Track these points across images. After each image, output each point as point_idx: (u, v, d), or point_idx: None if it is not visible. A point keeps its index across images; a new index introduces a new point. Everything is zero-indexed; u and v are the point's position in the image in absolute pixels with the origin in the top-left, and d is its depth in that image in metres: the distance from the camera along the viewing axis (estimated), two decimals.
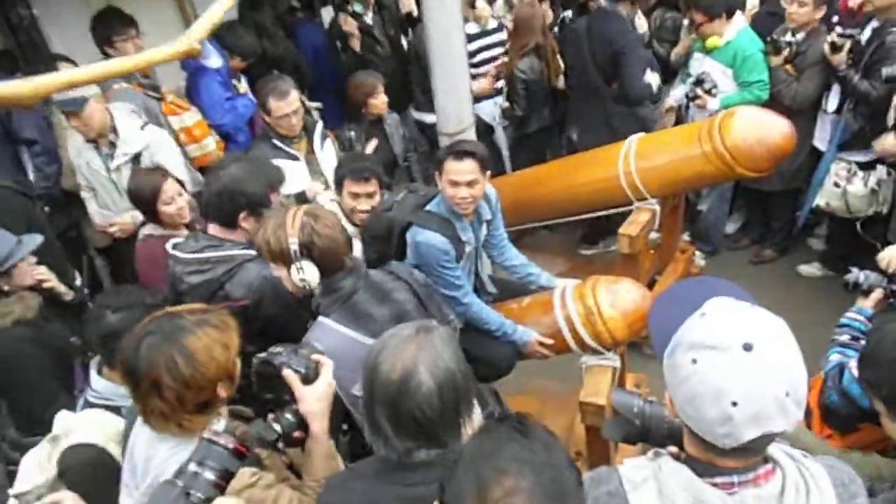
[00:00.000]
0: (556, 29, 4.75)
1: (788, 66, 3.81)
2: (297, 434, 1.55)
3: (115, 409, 1.81)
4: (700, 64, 3.99)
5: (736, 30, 3.82)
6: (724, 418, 0.99)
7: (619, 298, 2.57)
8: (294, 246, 1.93)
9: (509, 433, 1.02)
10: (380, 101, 3.78)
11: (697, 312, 1.09)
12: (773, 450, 1.10)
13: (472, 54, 4.73)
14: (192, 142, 3.80)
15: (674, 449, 1.21)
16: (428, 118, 4.20)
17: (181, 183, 2.77)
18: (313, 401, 1.56)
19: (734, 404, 0.98)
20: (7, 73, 3.64)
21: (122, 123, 3.14)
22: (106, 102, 3.24)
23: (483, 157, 2.53)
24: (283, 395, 1.59)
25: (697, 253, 4.31)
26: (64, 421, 1.74)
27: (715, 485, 1.07)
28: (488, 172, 2.60)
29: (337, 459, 1.65)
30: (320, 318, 2.01)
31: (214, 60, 4.07)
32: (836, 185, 3.70)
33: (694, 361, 1.02)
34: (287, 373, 1.56)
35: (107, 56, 3.71)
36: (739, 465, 1.07)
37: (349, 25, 4.49)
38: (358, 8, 4.57)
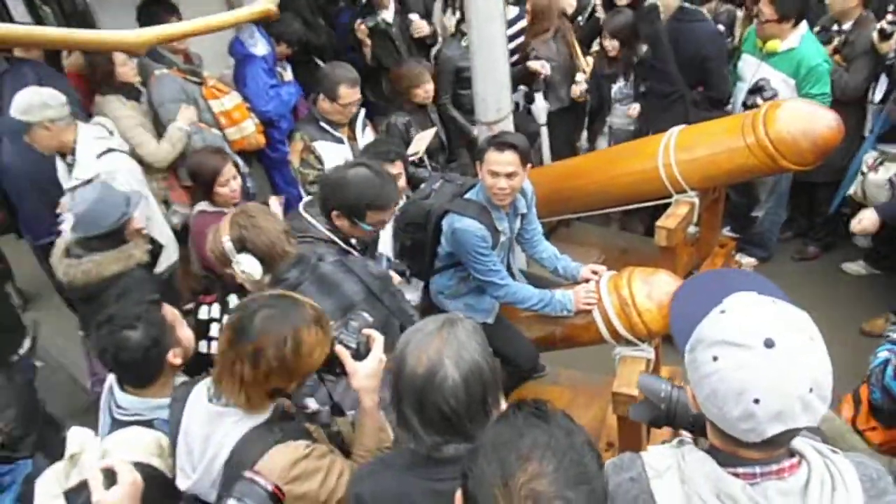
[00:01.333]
0: (579, 19, 4.72)
1: (837, 57, 3.70)
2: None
3: (147, 423, 1.76)
4: (753, 68, 3.72)
5: (800, 36, 3.57)
6: (747, 415, 0.98)
7: (655, 290, 2.55)
8: (228, 244, 2.09)
9: (529, 419, 1.02)
10: (424, 91, 3.76)
11: (717, 308, 1.07)
12: (801, 444, 1.09)
13: None
14: (232, 124, 3.90)
15: (687, 436, 1.21)
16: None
17: (236, 165, 2.88)
18: (364, 377, 1.58)
19: (756, 401, 0.97)
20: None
21: (81, 147, 3.03)
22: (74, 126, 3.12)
23: (524, 149, 2.55)
24: (335, 369, 1.61)
25: (749, 259, 4.24)
26: (80, 438, 1.64)
27: (737, 475, 1.06)
28: (529, 165, 2.61)
29: (387, 432, 1.68)
30: None
31: (261, 48, 4.17)
32: (862, 172, 3.60)
33: (715, 359, 1.01)
34: (339, 348, 1.58)
35: None
36: (763, 457, 1.06)
37: (361, 33, 4.47)
38: (386, 17, 4.46)
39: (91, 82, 3.70)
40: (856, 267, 4.18)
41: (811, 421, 0.99)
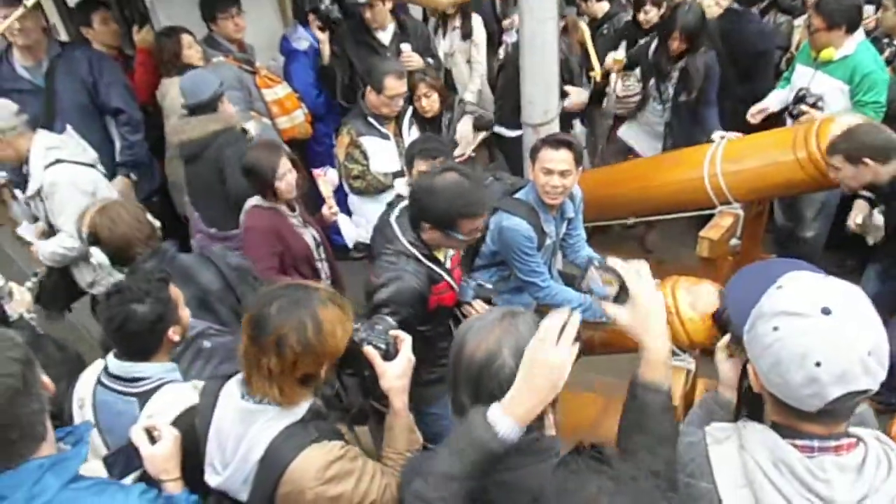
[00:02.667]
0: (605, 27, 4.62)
1: (889, 69, 3.61)
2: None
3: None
4: (807, 78, 3.59)
5: (856, 43, 3.46)
6: (810, 380, 1.01)
7: (699, 300, 2.52)
8: (83, 236, 2.26)
9: (590, 465, 1.00)
10: (422, 104, 3.54)
11: (773, 286, 1.12)
12: (860, 431, 1.13)
13: None
14: (284, 113, 3.98)
15: None
16: (508, 132, 4.07)
17: (292, 159, 2.84)
18: (393, 377, 1.57)
19: (818, 364, 1.00)
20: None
21: (33, 158, 2.94)
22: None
23: (578, 149, 2.56)
24: (364, 371, 1.60)
25: None
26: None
27: (795, 446, 1.09)
28: (581, 167, 2.60)
29: (416, 433, 1.68)
30: None
31: (303, 42, 4.22)
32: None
33: (775, 329, 1.06)
34: (368, 349, 1.56)
35: (211, 31, 3.92)
36: (823, 432, 1.09)
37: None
38: (382, 39, 3.94)
39: (157, 63, 3.79)
40: None
41: (871, 384, 1.02)
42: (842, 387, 1.01)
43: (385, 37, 3.90)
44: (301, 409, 1.51)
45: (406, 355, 1.60)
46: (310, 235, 2.92)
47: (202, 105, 3.23)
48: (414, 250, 2.23)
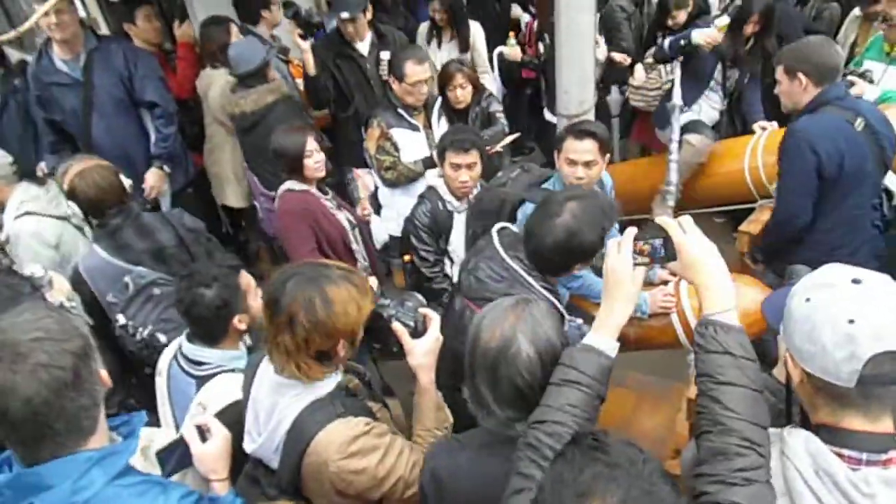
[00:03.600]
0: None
1: None
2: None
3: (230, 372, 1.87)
4: (878, 75, 3.28)
5: None
6: (844, 339, 1.02)
7: (739, 296, 2.40)
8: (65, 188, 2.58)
9: (587, 453, 0.97)
10: (456, 94, 3.46)
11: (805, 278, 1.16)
12: None
13: None
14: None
15: None
16: (554, 119, 3.84)
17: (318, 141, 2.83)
18: (421, 354, 1.59)
19: (851, 322, 1.02)
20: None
21: (7, 208, 2.89)
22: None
23: (604, 138, 2.49)
24: (392, 346, 1.62)
25: None
26: (147, 433, 1.66)
27: (841, 456, 1.06)
28: (608, 156, 2.54)
29: (445, 410, 1.69)
30: (91, 244, 2.63)
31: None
32: None
33: (808, 300, 1.09)
34: (396, 325, 1.59)
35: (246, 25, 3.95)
36: (866, 429, 1.06)
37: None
38: (360, 49, 3.69)
39: (202, 54, 3.82)
40: None
41: None
42: (877, 344, 1.00)
43: (363, 47, 3.74)
44: (328, 385, 1.53)
45: (434, 334, 1.62)
46: (344, 218, 2.91)
47: (252, 73, 3.37)
48: (550, 296, 2.02)
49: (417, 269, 2.90)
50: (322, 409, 1.50)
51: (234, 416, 1.62)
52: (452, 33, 4.18)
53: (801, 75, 2.56)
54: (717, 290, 1.22)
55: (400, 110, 3.29)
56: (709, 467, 1.09)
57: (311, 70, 3.62)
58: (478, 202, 2.85)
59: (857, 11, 3.93)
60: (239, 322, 1.92)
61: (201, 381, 1.86)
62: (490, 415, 1.35)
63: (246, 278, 1.98)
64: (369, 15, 3.68)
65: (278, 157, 2.79)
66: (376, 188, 3.53)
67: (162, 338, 2.44)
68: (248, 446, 1.58)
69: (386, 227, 3.35)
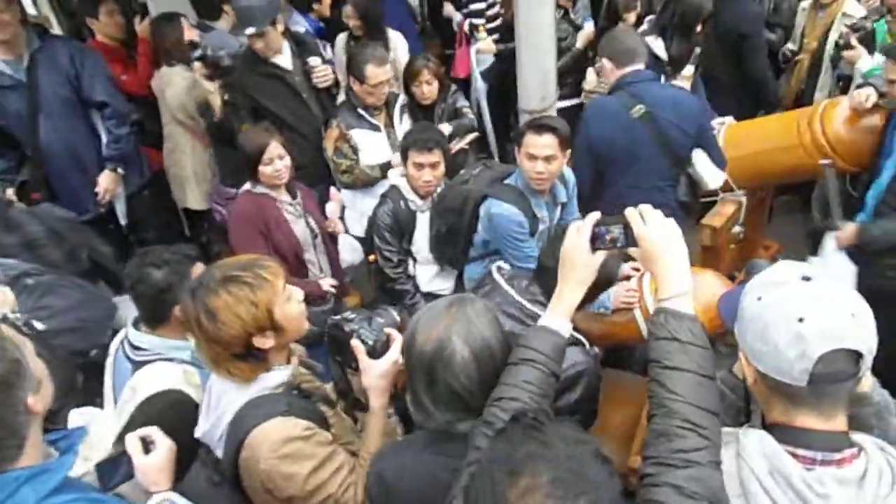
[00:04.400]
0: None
1: None
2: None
3: (167, 361, 1.85)
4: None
5: None
6: (795, 338, 1.02)
7: (701, 290, 2.42)
8: None
9: (525, 432, 0.98)
10: (422, 90, 3.39)
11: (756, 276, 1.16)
12: (862, 439, 1.10)
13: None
14: None
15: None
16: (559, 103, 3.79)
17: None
18: (375, 375, 1.55)
19: (801, 320, 1.02)
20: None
21: None
22: None
23: (564, 133, 2.48)
24: (351, 362, 1.59)
25: None
26: (82, 418, 1.73)
27: (795, 455, 1.06)
28: (569, 151, 2.53)
29: (394, 437, 1.65)
30: None
31: (300, 28, 4.16)
32: None
33: (759, 298, 1.09)
34: (355, 343, 1.56)
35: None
36: (819, 427, 1.06)
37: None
38: (282, 63, 3.34)
39: (156, 52, 3.69)
40: None
41: (860, 345, 1.01)
42: (827, 342, 1.00)
43: (284, 60, 3.39)
44: (275, 379, 1.52)
45: (393, 357, 1.56)
46: (304, 226, 2.81)
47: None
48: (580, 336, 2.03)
49: (381, 270, 2.86)
50: (265, 404, 1.47)
51: (163, 405, 1.62)
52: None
53: (605, 60, 2.89)
54: (671, 278, 1.22)
55: (360, 110, 3.23)
56: (652, 449, 1.10)
57: (218, 113, 3.27)
58: (441, 200, 2.82)
59: (805, 3, 4.01)
60: (180, 313, 1.82)
61: (137, 365, 1.84)
62: (430, 417, 1.34)
63: (199, 270, 1.89)
64: (281, 26, 3.33)
65: (240, 155, 2.71)
66: None
67: (38, 325, 2.31)
68: (198, 431, 1.58)
69: (353, 258, 3.24)
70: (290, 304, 1.54)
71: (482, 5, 4.65)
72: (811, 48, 3.97)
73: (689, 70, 3.42)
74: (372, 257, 2.95)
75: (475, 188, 2.70)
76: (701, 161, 2.90)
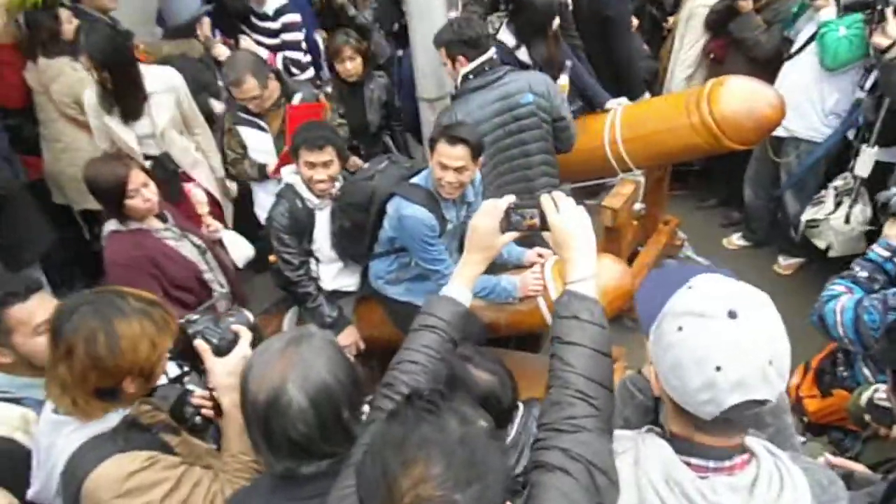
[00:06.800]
0: None
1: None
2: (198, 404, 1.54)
3: (15, 401, 1.73)
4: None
5: None
6: (708, 384, 0.99)
7: (599, 276, 2.50)
8: None
9: (419, 414, 0.98)
10: (346, 66, 3.42)
11: (685, 286, 1.10)
12: (753, 443, 1.10)
13: None
14: None
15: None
16: None
17: (145, 169, 2.48)
18: (223, 374, 1.50)
19: (718, 369, 0.98)
20: None
21: None
22: None
23: (476, 144, 2.45)
24: (199, 366, 1.55)
25: (794, 260, 4.02)
26: None
27: (689, 464, 1.07)
28: (480, 160, 2.51)
29: None
30: None
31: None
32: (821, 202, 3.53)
33: (679, 329, 1.03)
34: (198, 343, 1.51)
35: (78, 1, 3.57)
36: (718, 444, 1.07)
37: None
38: None
39: (30, 45, 3.39)
40: (736, 241, 4.27)
41: (770, 395, 1.00)
42: (739, 394, 0.98)
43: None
44: (110, 421, 1.44)
45: (241, 352, 1.53)
46: (190, 246, 2.57)
47: (182, 27, 3.47)
48: None
49: (281, 271, 2.76)
50: (100, 445, 1.39)
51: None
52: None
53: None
54: (578, 262, 1.30)
55: (242, 112, 3.14)
56: (546, 417, 1.16)
57: None
58: (344, 195, 2.74)
59: None
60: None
61: None
62: (269, 463, 1.28)
63: (24, 311, 1.72)
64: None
65: (94, 193, 2.37)
66: None
67: None
68: (29, 492, 1.48)
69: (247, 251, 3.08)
70: (164, 361, 1.49)
71: None
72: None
73: (563, 79, 3.36)
74: (273, 258, 2.84)
75: (382, 185, 2.64)
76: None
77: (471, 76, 2.78)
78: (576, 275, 1.30)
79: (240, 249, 2.97)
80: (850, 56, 3.26)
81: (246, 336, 1.56)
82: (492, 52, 2.80)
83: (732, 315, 1.00)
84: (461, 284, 1.43)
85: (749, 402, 0.99)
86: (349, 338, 2.96)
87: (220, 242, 2.84)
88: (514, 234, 1.42)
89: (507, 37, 3.25)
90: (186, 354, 1.55)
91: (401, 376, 1.28)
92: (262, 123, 3.15)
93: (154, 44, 3.60)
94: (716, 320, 1.00)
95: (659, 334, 1.09)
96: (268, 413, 1.19)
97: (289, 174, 2.78)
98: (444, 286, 2.26)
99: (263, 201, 3.14)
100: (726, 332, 0.99)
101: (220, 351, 1.52)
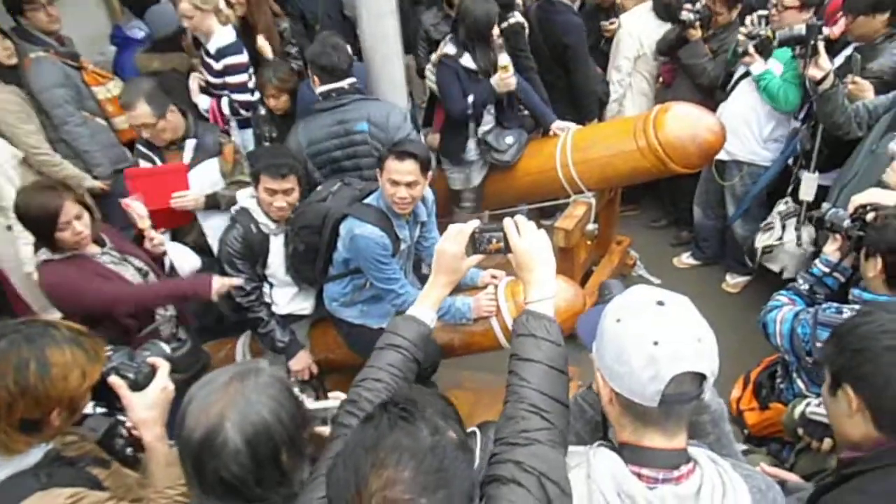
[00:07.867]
0: None
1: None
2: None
3: None
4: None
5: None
6: (649, 360, 1.07)
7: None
8: None
9: (393, 420, 1.01)
10: (271, 103, 3.41)
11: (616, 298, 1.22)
12: (696, 453, 1.16)
13: None
14: (119, 113, 3.59)
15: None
16: None
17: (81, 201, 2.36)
18: (142, 408, 1.48)
19: (656, 343, 1.07)
20: None
21: None
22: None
23: (425, 158, 2.49)
24: (116, 405, 1.50)
25: (740, 279, 4.11)
26: None
27: (640, 475, 1.12)
28: (430, 174, 2.54)
29: (177, 466, 1.48)
30: None
31: (139, 32, 3.91)
32: (770, 228, 3.59)
33: (618, 321, 1.13)
34: (112, 379, 1.47)
35: (20, 23, 3.49)
36: (664, 446, 1.12)
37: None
38: None
39: None
40: (686, 260, 4.41)
41: (704, 368, 1.08)
42: (677, 364, 1.06)
43: None
44: (32, 457, 1.38)
45: (160, 384, 1.51)
46: (132, 270, 2.52)
47: (168, 38, 3.51)
48: None
49: (231, 296, 2.73)
50: (20, 483, 1.33)
51: None
52: None
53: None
54: (538, 283, 1.39)
55: (140, 144, 3.03)
56: (501, 431, 1.20)
57: None
58: (298, 218, 2.73)
59: None
60: None
61: None
62: (199, 501, 1.24)
63: None
64: None
65: (25, 223, 2.29)
66: None
67: None
68: None
69: (182, 250, 2.95)
70: (89, 394, 1.45)
71: None
72: None
73: (504, 59, 3.37)
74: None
75: (335, 206, 2.64)
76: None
77: (320, 98, 2.90)
78: (535, 295, 1.38)
79: (186, 261, 2.87)
80: (800, 94, 3.36)
81: (164, 368, 1.52)
82: (345, 83, 2.86)
83: (661, 304, 1.12)
84: (427, 306, 1.48)
85: (687, 376, 1.07)
86: (301, 362, 2.93)
87: (162, 258, 2.74)
88: (479, 257, 1.48)
89: (449, 48, 3.40)
90: (100, 394, 1.48)
91: (364, 393, 1.31)
92: (157, 160, 2.98)
93: (145, 58, 3.59)
94: (648, 308, 1.12)
95: (601, 336, 1.17)
96: (201, 451, 1.14)
97: (244, 198, 2.76)
98: (408, 305, 2.32)
99: (214, 225, 3.01)
100: (658, 315, 1.11)
101: (138, 385, 1.49)
